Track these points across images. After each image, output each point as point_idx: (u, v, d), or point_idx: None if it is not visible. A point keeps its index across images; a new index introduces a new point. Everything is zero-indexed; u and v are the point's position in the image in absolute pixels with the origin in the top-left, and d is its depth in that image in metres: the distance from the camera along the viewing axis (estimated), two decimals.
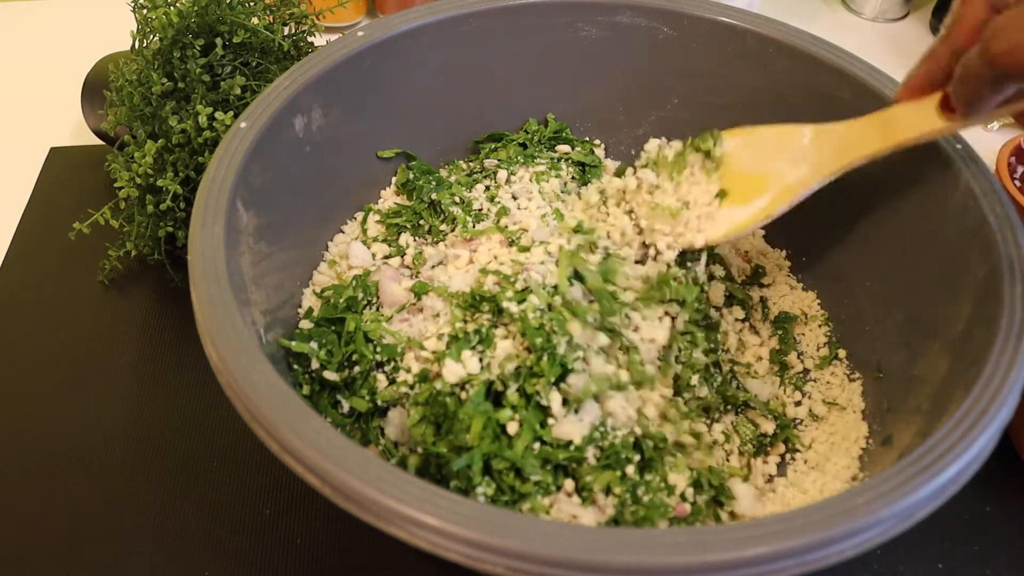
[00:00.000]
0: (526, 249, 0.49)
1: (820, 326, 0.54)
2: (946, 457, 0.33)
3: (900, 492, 0.32)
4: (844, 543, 0.31)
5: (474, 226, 0.53)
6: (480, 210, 0.54)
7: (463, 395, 0.42)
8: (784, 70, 0.54)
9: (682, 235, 0.48)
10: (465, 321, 0.46)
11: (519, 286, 0.46)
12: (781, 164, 0.47)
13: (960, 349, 0.41)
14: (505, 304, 0.44)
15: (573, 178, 0.59)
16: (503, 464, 0.40)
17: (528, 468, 0.40)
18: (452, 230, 0.53)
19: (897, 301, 0.48)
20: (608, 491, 0.41)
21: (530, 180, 0.56)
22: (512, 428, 0.41)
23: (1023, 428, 0.49)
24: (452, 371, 0.42)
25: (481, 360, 0.43)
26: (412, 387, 0.44)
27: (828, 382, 0.51)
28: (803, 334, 0.54)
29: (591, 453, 0.41)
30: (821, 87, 0.52)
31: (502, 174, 0.56)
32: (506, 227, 0.52)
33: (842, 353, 0.52)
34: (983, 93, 0.36)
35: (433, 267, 0.51)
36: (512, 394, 0.41)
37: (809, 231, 0.56)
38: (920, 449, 0.34)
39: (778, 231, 0.58)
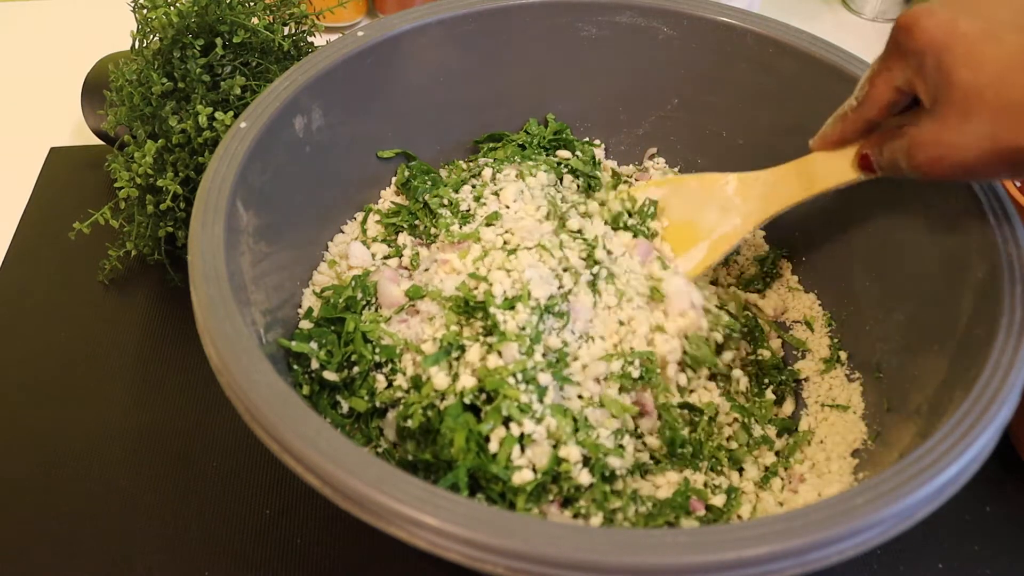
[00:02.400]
0: (513, 252, 0.49)
1: (824, 336, 0.53)
2: (946, 457, 0.33)
3: (900, 492, 0.32)
4: (844, 543, 0.31)
5: (460, 228, 0.52)
6: (468, 211, 0.54)
7: (442, 405, 0.42)
8: (784, 70, 0.54)
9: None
10: (460, 325, 0.46)
11: (510, 293, 0.45)
12: (710, 213, 0.50)
13: (960, 349, 0.41)
14: (492, 310, 0.44)
15: (578, 185, 0.58)
16: (489, 474, 0.40)
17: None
18: (443, 232, 0.53)
19: (897, 301, 0.48)
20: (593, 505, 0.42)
21: (516, 177, 0.55)
22: (495, 439, 0.40)
23: (1023, 428, 0.49)
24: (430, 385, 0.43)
25: (452, 370, 0.43)
26: (408, 391, 0.44)
27: (828, 383, 0.51)
28: (808, 351, 0.53)
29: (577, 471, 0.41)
30: (821, 87, 0.52)
31: (487, 172, 0.55)
32: (495, 231, 0.51)
33: (843, 355, 0.52)
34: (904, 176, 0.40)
35: (427, 269, 0.51)
36: (490, 413, 0.41)
37: (809, 232, 0.56)
38: (920, 449, 0.34)
39: (778, 233, 0.58)
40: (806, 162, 0.46)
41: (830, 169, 0.44)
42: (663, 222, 0.52)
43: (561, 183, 0.57)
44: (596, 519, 0.41)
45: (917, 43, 0.36)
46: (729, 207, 0.48)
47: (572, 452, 0.41)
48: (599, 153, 0.61)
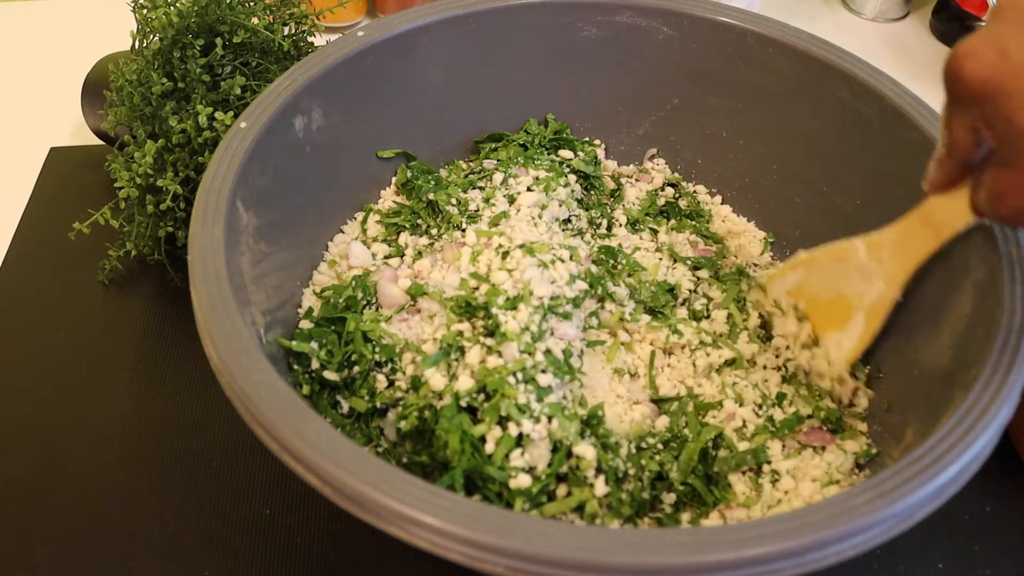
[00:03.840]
0: (531, 252, 0.48)
1: None
2: (946, 457, 0.33)
3: (900, 492, 0.32)
4: (844, 543, 0.31)
5: (465, 228, 0.52)
6: (476, 211, 0.54)
7: (439, 405, 0.42)
8: (784, 70, 0.54)
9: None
10: (461, 324, 0.46)
11: (511, 293, 0.45)
12: (854, 283, 0.47)
13: (960, 349, 0.41)
14: (494, 310, 0.44)
15: (581, 183, 0.58)
16: (486, 475, 0.40)
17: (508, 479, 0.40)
18: (446, 231, 0.53)
19: (897, 301, 0.48)
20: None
21: (535, 187, 0.54)
22: (490, 440, 0.40)
23: (1023, 428, 0.49)
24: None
25: (451, 371, 0.43)
26: (407, 391, 0.44)
27: None
28: None
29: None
30: (821, 87, 0.52)
31: (498, 176, 0.55)
32: (503, 232, 0.51)
33: None
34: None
35: (430, 268, 0.51)
36: (487, 411, 0.41)
37: (809, 232, 0.56)
38: (920, 449, 0.34)
39: (778, 233, 0.58)
40: (925, 209, 0.42)
41: (952, 212, 0.41)
42: (799, 304, 0.50)
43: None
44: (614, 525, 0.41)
45: (969, 92, 0.33)
46: (868, 273, 0.46)
47: (587, 451, 0.40)
48: (599, 153, 0.61)
